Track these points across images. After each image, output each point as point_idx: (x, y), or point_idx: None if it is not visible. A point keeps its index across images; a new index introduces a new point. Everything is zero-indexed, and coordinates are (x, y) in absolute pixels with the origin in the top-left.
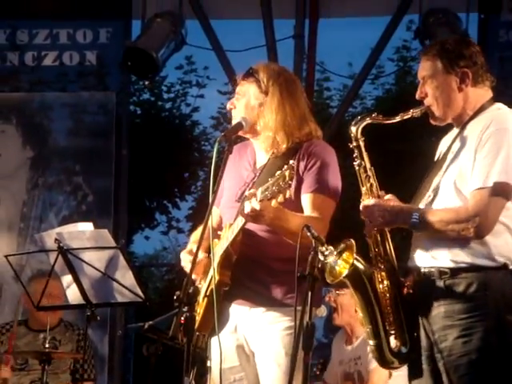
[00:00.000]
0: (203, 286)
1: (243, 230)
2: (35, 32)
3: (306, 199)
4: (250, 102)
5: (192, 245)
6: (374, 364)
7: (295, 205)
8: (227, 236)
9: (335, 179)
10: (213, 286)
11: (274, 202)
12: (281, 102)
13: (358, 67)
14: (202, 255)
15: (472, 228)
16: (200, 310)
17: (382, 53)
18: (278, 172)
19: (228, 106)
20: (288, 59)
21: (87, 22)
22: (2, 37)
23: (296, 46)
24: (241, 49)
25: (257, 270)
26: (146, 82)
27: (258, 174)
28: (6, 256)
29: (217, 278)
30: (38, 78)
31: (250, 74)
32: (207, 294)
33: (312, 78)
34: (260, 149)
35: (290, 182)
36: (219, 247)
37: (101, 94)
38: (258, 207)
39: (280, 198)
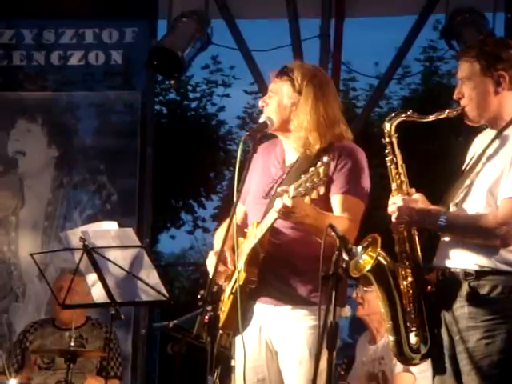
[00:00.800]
0: (229, 284)
1: (273, 231)
2: (61, 31)
3: (337, 200)
4: (282, 100)
5: (219, 243)
6: (399, 368)
7: (323, 205)
8: (255, 234)
9: (365, 181)
10: (238, 284)
11: (307, 199)
12: (314, 102)
13: (383, 67)
14: (228, 254)
15: (499, 236)
16: (225, 308)
17: (407, 52)
18: (312, 168)
19: (260, 103)
20: (314, 59)
21: (113, 21)
22: (29, 36)
23: (322, 46)
24: (266, 48)
25: (282, 268)
26: (172, 82)
27: (286, 172)
28: (31, 254)
29: (243, 275)
30: (65, 77)
31: (285, 72)
32: (233, 291)
33: (338, 77)
34: (290, 147)
35: (324, 179)
36: (246, 245)
37: (127, 93)
38: (290, 204)
39: (314, 195)
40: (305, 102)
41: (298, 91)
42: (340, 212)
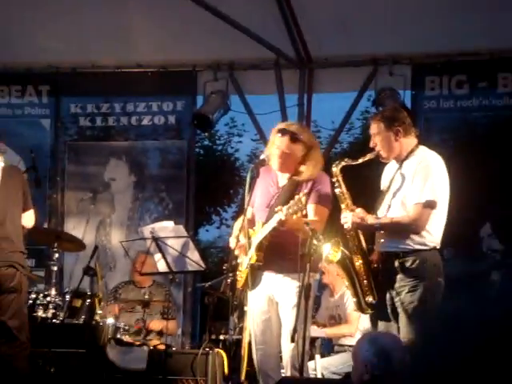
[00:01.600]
0: (245, 259)
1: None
2: (137, 104)
3: (311, 208)
4: (296, 159)
5: (236, 232)
6: (349, 309)
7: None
8: (261, 231)
9: (328, 195)
10: (250, 263)
11: (295, 217)
12: (316, 154)
13: (337, 124)
14: (243, 240)
15: (413, 229)
16: (243, 275)
17: (352, 114)
18: (297, 196)
19: (278, 155)
20: (293, 118)
21: (170, 97)
22: (118, 107)
23: (299, 111)
24: (264, 113)
25: (279, 250)
26: (206, 134)
27: (280, 191)
28: (120, 242)
29: (254, 257)
30: (140, 132)
31: (297, 138)
32: (247, 266)
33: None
34: (281, 174)
35: (305, 205)
36: (255, 238)
37: (178, 141)
38: (283, 218)
39: (299, 214)
40: (314, 154)
41: (308, 148)
42: (313, 216)
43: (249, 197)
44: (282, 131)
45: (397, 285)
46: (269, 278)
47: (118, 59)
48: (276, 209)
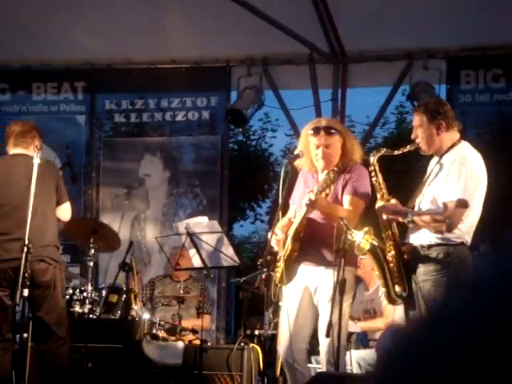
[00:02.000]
0: (283, 254)
1: (310, 219)
2: (172, 100)
3: (346, 199)
4: (337, 150)
5: (276, 228)
6: (384, 303)
7: (340, 203)
8: (296, 219)
9: (366, 188)
10: (286, 253)
11: (323, 194)
12: (351, 144)
13: (372, 118)
14: (280, 235)
15: (445, 226)
16: (280, 269)
17: (387, 109)
18: (327, 174)
19: (322, 152)
20: (327, 114)
21: (204, 93)
22: (152, 103)
23: (333, 106)
24: (298, 107)
25: (316, 242)
26: (240, 129)
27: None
28: (155, 237)
29: (290, 246)
30: (174, 128)
31: (331, 130)
32: (285, 258)
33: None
34: (320, 170)
35: (333, 180)
36: (292, 228)
37: (212, 137)
38: (313, 197)
39: (327, 191)
40: (349, 145)
41: (343, 139)
42: (347, 206)
43: (284, 192)
44: (315, 130)
45: (420, 278)
46: (307, 270)
47: (153, 55)
48: (307, 190)
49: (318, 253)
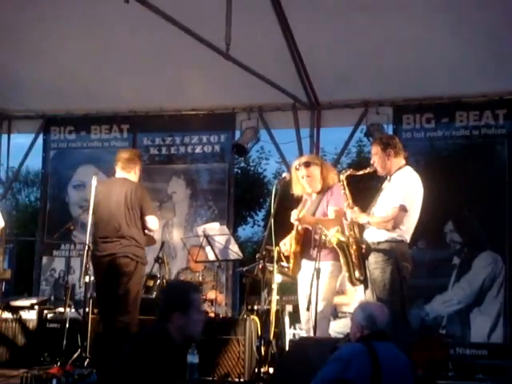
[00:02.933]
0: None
1: (306, 229)
2: (192, 137)
3: (330, 210)
4: (317, 177)
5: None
6: (347, 285)
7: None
8: (293, 231)
9: (342, 200)
10: (292, 251)
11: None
12: (327, 171)
13: (339, 150)
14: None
15: (390, 225)
16: (291, 264)
17: (349, 143)
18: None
19: (307, 181)
20: (306, 148)
21: (216, 132)
22: (178, 140)
23: (310, 141)
24: (285, 142)
25: (309, 244)
26: (242, 158)
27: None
28: (181, 238)
29: (294, 248)
30: (194, 157)
31: (310, 164)
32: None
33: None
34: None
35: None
36: (292, 235)
37: (222, 164)
38: (295, 217)
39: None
40: (326, 175)
41: (324, 172)
42: (332, 216)
43: (275, 203)
44: (298, 165)
45: (371, 266)
46: (306, 263)
47: (178, 105)
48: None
49: (310, 251)
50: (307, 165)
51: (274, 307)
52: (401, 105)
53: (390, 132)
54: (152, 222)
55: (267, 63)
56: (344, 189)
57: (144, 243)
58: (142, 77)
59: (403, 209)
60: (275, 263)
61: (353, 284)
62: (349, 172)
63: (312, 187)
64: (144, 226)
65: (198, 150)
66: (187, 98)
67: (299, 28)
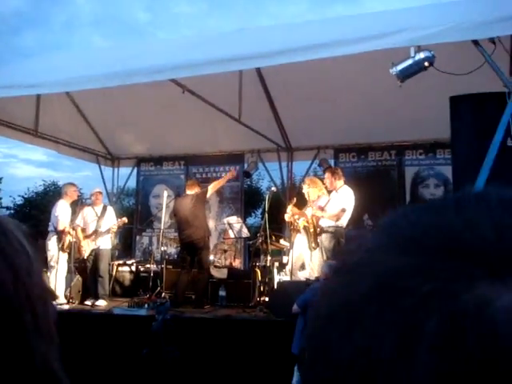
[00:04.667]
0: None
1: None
2: (219, 168)
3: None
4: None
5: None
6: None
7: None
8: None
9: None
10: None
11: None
12: (314, 186)
13: (303, 173)
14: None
15: (335, 219)
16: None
17: (309, 170)
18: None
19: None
20: (285, 173)
21: (233, 164)
22: (212, 170)
23: (287, 169)
24: (272, 169)
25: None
26: (248, 179)
27: None
28: (215, 225)
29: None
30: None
31: (306, 184)
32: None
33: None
34: None
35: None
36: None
37: (236, 182)
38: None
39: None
40: (312, 186)
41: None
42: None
43: (268, 206)
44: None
45: (323, 240)
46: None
47: (210, 149)
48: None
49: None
50: (305, 184)
51: (268, 262)
52: (337, 148)
53: (332, 163)
54: (210, 189)
55: (262, 125)
56: (308, 196)
57: (206, 227)
58: (192, 133)
59: (343, 210)
60: (269, 239)
61: (310, 249)
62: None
63: (310, 198)
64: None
65: (224, 174)
66: (216, 145)
67: (281, 107)
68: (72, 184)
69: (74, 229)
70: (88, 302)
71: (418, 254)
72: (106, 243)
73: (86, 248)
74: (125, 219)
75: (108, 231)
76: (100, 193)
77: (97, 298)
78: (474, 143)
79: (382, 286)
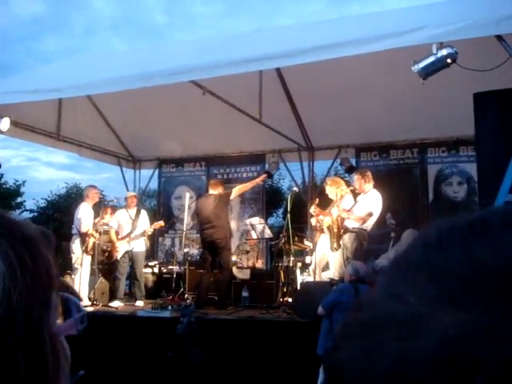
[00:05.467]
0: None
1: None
2: (240, 169)
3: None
4: (332, 190)
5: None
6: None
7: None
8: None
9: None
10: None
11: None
12: (336, 186)
13: (325, 173)
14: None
15: (362, 221)
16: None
17: (331, 169)
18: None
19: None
20: (306, 173)
21: (254, 165)
22: (233, 170)
23: (308, 169)
24: (293, 169)
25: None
26: (269, 179)
27: None
28: (237, 226)
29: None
30: (243, 179)
31: (327, 184)
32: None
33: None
34: None
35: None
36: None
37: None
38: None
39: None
40: (334, 187)
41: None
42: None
43: (290, 206)
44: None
45: (346, 241)
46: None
47: (232, 149)
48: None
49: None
50: (326, 185)
51: (291, 262)
52: (359, 147)
53: (354, 162)
54: (234, 192)
55: (283, 125)
56: (336, 197)
57: (228, 228)
58: (212, 133)
59: (370, 214)
60: (291, 240)
61: (333, 250)
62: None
63: (332, 197)
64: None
65: (245, 175)
66: (237, 146)
67: (301, 106)
68: (93, 186)
69: (97, 231)
70: (114, 304)
71: (482, 310)
72: (141, 246)
73: (120, 249)
74: (161, 223)
75: (143, 234)
76: (135, 196)
77: (135, 299)
78: (499, 140)
79: (447, 355)
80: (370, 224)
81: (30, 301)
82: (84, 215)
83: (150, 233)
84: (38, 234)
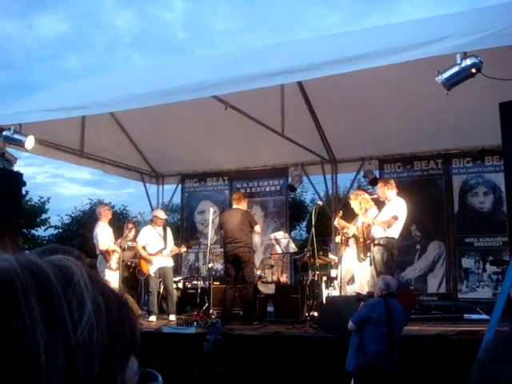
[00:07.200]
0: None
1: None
2: (263, 182)
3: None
4: (356, 204)
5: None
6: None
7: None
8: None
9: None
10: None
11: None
12: (360, 201)
13: (348, 185)
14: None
15: (387, 226)
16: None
17: (354, 181)
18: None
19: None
20: (329, 186)
21: (277, 178)
22: (256, 184)
23: (331, 181)
24: (317, 182)
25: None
26: (292, 193)
27: None
28: (261, 241)
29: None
30: (265, 193)
31: (351, 199)
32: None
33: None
34: None
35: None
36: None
37: (281, 196)
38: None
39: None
40: (358, 200)
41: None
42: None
43: (314, 220)
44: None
45: (374, 251)
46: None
47: (255, 163)
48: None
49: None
50: (350, 199)
51: (316, 276)
52: (382, 159)
53: (377, 174)
54: (258, 228)
55: (305, 138)
56: (360, 206)
57: (251, 243)
58: (235, 148)
59: (395, 218)
60: (316, 254)
61: (359, 260)
62: (363, 196)
63: (357, 211)
64: (253, 232)
65: (268, 189)
66: (260, 160)
67: (323, 119)
68: (103, 204)
69: (121, 247)
70: (150, 319)
71: None
72: (170, 261)
73: (154, 265)
74: (185, 249)
75: (172, 252)
76: (166, 219)
77: (168, 313)
78: None
79: None
80: (396, 231)
81: (110, 345)
82: (100, 234)
83: (175, 253)
84: (129, 297)
